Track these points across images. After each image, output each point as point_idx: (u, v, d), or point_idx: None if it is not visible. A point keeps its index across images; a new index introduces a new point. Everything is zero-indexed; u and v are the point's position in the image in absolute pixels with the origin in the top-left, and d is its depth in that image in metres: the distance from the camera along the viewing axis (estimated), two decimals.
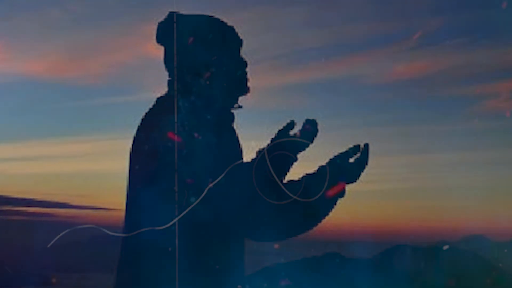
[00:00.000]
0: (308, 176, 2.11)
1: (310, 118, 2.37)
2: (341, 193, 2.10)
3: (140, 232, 2.08)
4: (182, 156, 2.01)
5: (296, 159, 2.39)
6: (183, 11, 2.29)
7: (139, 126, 2.19)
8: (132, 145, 2.18)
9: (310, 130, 2.33)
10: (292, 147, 2.36)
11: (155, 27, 2.30)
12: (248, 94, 2.30)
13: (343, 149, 2.14)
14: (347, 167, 2.10)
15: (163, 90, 2.27)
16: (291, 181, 2.13)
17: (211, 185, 1.99)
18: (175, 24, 2.26)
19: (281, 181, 2.33)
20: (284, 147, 2.36)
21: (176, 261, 2.05)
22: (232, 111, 2.29)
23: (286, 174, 2.39)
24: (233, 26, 2.31)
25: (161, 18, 2.29)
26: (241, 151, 2.37)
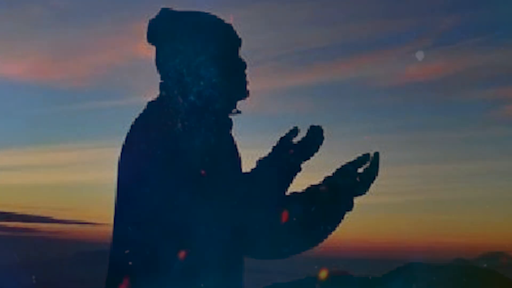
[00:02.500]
0: (313, 188, 2.11)
1: (315, 124, 2.37)
2: (349, 206, 2.10)
3: (130, 249, 2.07)
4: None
5: (300, 169, 2.39)
6: (176, 7, 2.29)
7: (128, 133, 2.19)
8: (121, 154, 2.18)
9: (315, 138, 2.33)
10: (296, 156, 2.36)
11: (145, 25, 2.30)
12: (248, 98, 2.30)
13: (351, 158, 2.14)
14: (355, 177, 2.09)
15: (154, 93, 2.27)
16: (294, 193, 2.13)
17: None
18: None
19: (284, 193, 2.33)
20: (287, 156, 2.36)
21: (170, 280, 2.04)
22: (230, 116, 2.29)
23: (289, 185, 2.38)
24: (231, 24, 2.31)
25: (153, 15, 2.29)
26: (240, 161, 2.36)
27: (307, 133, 2.37)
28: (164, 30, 2.25)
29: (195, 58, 2.21)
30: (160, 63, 2.26)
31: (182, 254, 2.03)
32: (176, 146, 2.02)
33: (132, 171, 2.10)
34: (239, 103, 2.30)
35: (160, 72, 2.27)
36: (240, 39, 2.31)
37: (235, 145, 2.36)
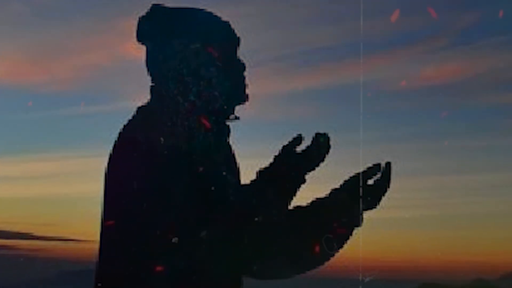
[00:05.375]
0: (318, 201, 2.10)
1: (321, 131, 2.36)
2: (358, 221, 2.10)
3: (119, 269, 2.07)
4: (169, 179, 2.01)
5: (304, 181, 2.39)
6: (169, 3, 2.30)
7: (116, 141, 2.18)
8: (108, 164, 2.18)
9: (321, 146, 2.33)
10: (299, 166, 2.36)
11: (135, 22, 2.30)
12: (247, 103, 2.30)
13: (361, 169, 2.13)
14: (365, 190, 2.09)
15: (144, 97, 2.27)
16: (298, 207, 2.12)
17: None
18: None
19: (286, 207, 2.32)
20: (290, 166, 2.36)
21: None
22: (228, 123, 2.29)
23: (292, 198, 2.38)
24: (228, 22, 2.31)
25: (142, 12, 2.30)
26: (238, 172, 2.36)
27: (312, 141, 2.36)
28: (157, 28, 2.25)
29: (195, 58, 2.21)
30: (155, 63, 2.26)
31: (177, 270, 2.03)
32: (173, 153, 2.03)
33: (122, 182, 2.10)
34: (237, 108, 2.30)
35: (153, 73, 2.27)
36: (238, 38, 2.31)
37: (233, 154, 2.36)
